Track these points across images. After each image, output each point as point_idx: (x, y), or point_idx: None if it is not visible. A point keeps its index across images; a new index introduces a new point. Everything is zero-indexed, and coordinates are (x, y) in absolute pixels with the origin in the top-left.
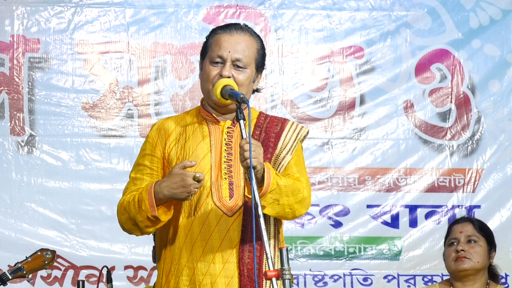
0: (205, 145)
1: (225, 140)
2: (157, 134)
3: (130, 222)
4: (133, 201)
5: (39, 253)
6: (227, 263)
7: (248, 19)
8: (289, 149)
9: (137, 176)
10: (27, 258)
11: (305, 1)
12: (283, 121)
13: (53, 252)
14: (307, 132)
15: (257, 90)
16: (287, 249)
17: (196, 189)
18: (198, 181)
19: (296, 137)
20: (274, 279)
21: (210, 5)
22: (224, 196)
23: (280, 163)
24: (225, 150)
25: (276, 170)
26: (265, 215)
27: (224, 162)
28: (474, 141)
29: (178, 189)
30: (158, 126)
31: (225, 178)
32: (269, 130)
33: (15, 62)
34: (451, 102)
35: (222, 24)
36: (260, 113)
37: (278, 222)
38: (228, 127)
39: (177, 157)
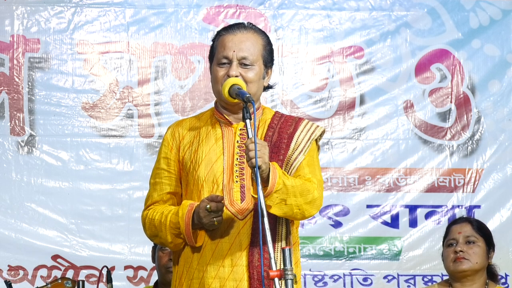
0: (217, 148)
1: (237, 142)
2: (171, 137)
3: (158, 240)
4: (164, 221)
5: (59, 281)
6: (235, 267)
7: (248, 19)
8: (302, 150)
9: (156, 181)
10: (47, 284)
11: (305, 1)
12: (297, 121)
13: (74, 281)
14: (323, 132)
15: (269, 87)
16: (290, 249)
17: (215, 219)
18: (213, 210)
19: (310, 137)
20: (276, 279)
21: (210, 5)
22: (236, 199)
23: (292, 164)
24: (237, 153)
25: (288, 171)
26: (275, 216)
27: (236, 165)
28: (474, 141)
29: (201, 220)
30: (172, 129)
31: (237, 181)
32: (282, 131)
33: (15, 62)
34: (451, 102)
35: (224, 24)
36: (276, 112)
37: (290, 223)
38: (240, 129)
39: (191, 160)
